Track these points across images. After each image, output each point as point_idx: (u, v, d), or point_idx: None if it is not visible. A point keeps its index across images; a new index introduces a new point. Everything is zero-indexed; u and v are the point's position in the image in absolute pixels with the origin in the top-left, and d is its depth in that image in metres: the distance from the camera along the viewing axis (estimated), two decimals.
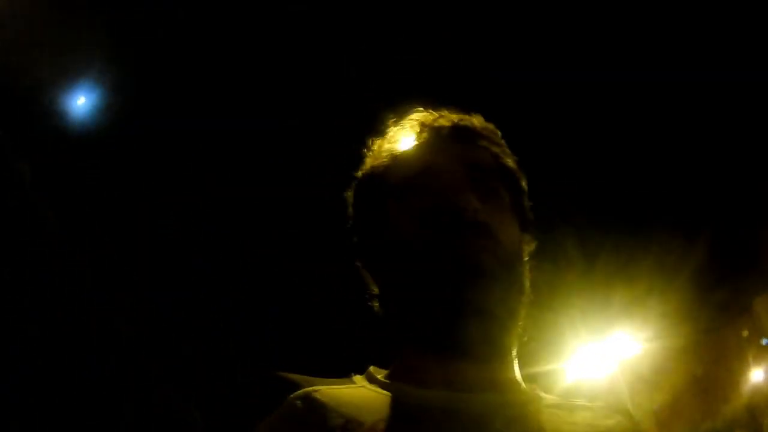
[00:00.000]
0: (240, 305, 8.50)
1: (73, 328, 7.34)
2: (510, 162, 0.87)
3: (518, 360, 0.81)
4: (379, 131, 0.88)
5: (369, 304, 0.83)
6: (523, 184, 0.88)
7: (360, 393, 0.75)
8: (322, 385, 0.77)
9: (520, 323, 0.80)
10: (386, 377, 0.79)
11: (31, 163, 6.00)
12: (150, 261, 7.82)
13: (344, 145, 0.88)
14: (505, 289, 0.76)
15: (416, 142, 0.82)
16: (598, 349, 10.36)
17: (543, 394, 0.80)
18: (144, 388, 7.76)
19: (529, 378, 0.81)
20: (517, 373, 0.80)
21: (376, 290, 0.83)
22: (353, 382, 0.79)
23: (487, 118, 0.86)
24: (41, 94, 5.81)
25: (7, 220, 6.08)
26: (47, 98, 5.84)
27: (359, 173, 0.87)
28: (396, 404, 0.71)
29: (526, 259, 0.84)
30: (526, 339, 0.82)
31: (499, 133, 0.88)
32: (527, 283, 0.81)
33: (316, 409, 0.72)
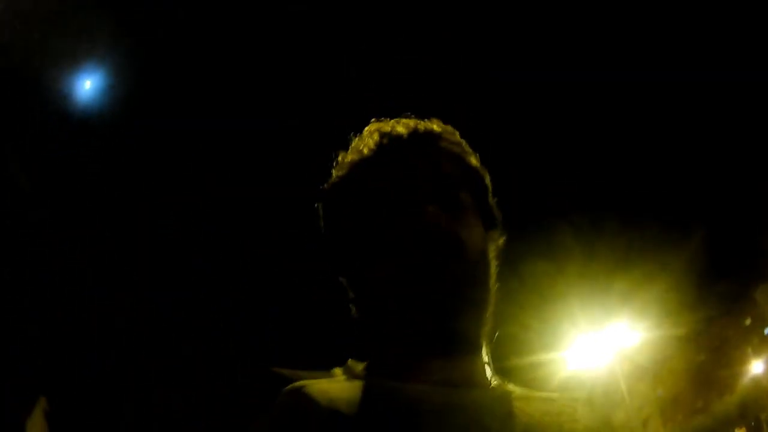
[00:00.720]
0: (240, 305, 8.51)
1: (73, 328, 7.34)
2: (472, 160, 0.88)
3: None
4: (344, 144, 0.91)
5: (347, 306, 0.87)
6: (487, 181, 0.89)
7: (343, 387, 0.80)
8: (309, 379, 0.82)
9: (489, 319, 0.85)
10: (365, 371, 0.83)
11: (30, 162, 6.00)
12: (150, 261, 7.82)
13: (344, 145, 0.89)
14: (474, 290, 0.81)
15: (379, 153, 0.85)
16: (597, 339, 10.42)
17: (511, 387, 0.84)
18: (144, 388, 7.77)
19: (502, 371, 0.86)
20: (488, 368, 0.84)
21: (352, 295, 0.87)
22: (334, 376, 0.84)
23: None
24: (47, 80, 5.81)
25: (6, 219, 6.08)
26: (53, 84, 5.84)
27: (326, 185, 0.91)
28: (378, 396, 0.78)
29: (493, 255, 0.86)
30: (496, 334, 0.86)
31: (458, 133, 0.90)
32: (494, 280, 0.85)
33: (308, 402, 0.77)
